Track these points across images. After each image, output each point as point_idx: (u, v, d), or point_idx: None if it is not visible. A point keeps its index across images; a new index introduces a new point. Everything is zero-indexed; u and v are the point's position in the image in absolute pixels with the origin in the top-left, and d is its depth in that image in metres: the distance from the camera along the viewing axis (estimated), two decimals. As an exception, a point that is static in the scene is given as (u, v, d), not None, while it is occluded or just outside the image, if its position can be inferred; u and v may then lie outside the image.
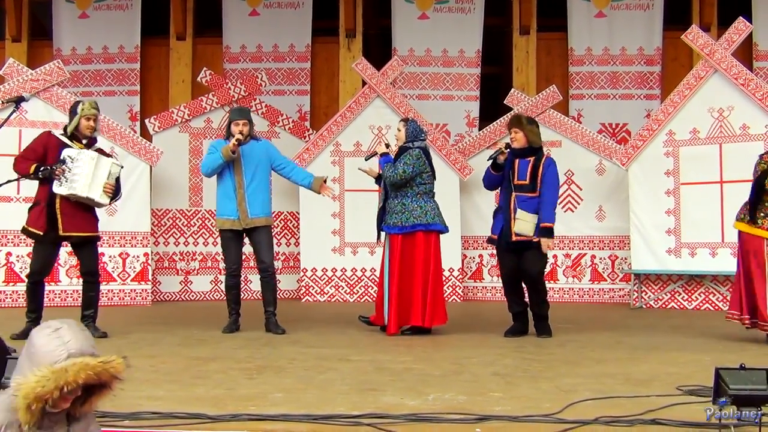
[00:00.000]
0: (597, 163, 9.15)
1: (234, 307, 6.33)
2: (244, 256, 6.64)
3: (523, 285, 6.18)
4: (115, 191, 5.79)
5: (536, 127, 6.29)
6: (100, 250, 8.36)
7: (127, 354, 5.30)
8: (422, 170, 6.13)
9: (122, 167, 6.01)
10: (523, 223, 5.96)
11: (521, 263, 6.03)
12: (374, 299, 8.67)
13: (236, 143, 6.09)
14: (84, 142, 5.77)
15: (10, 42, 10.71)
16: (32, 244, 5.88)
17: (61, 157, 5.54)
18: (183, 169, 9.30)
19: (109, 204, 5.97)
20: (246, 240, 6.41)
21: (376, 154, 6.35)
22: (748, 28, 8.24)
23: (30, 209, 5.79)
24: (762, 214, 5.64)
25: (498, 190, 6.61)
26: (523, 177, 6.04)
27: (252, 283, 9.43)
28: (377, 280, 8.51)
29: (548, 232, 5.95)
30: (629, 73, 10.36)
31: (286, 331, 6.19)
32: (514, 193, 6.04)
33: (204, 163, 6.39)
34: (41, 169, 5.52)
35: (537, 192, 6.02)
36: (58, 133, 5.79)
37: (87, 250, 5.87)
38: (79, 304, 6.06)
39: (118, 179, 5.82)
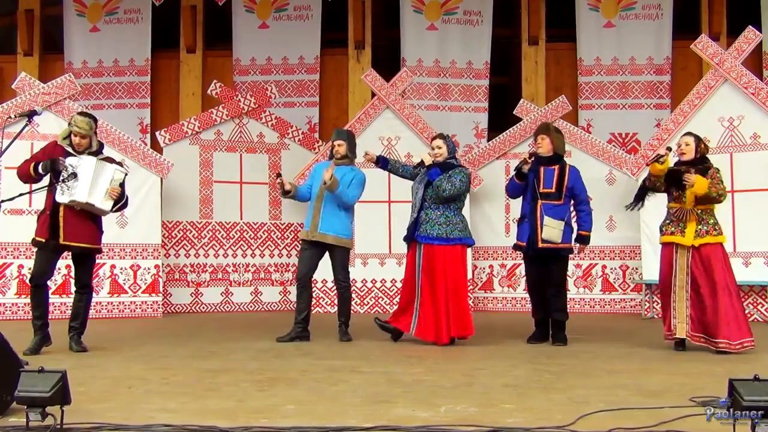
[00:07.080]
0: (607, 173, 9.13)
1: (296, 316, 6.47)
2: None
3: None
4: (120, 196, 5.70)
5: (561, 135, 6.51)
6: (111, 262, 8.51)
7: (138, 366, 5.30)
8: (468, 188, 6.38)
9: (126, 173, 5.86)
10: (551, 230, 6.11)
11: (546, 270, 6.22)
12: (384, 310, 8.70)
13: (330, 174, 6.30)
14: (88, 152, 5.72)
15: (22, 56, 10.81)
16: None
17: (64, 163, 5.52)
18: (193, 181, 9.33)
19: (113, 211, 5.85)
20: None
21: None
22: (757, 37, 8.23)
23: (37, 218, 5.78)
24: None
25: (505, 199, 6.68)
26: (549, 185, 6.18)
27: (262, 294, 9.48)
28: (391, 288, 8.53)
29: (587, 240, 6.31)
30: (639, 82, 10.34)
31: (352, 339, 6.45)
32: (540, 201, 6.14)
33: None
34: (40, 164, 5.48)
35: (562, 200, 6.19)
36: (66, 143, 5.77)
37: (84, 262, 5.80)
38: (90, 317, 5.99)
39: (123, 185, 5.74)
